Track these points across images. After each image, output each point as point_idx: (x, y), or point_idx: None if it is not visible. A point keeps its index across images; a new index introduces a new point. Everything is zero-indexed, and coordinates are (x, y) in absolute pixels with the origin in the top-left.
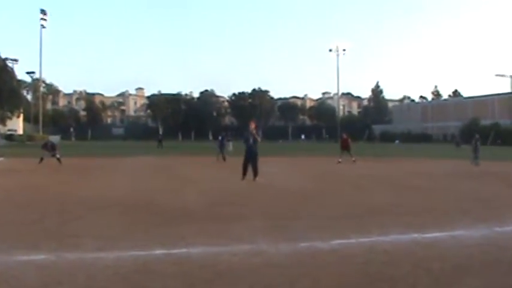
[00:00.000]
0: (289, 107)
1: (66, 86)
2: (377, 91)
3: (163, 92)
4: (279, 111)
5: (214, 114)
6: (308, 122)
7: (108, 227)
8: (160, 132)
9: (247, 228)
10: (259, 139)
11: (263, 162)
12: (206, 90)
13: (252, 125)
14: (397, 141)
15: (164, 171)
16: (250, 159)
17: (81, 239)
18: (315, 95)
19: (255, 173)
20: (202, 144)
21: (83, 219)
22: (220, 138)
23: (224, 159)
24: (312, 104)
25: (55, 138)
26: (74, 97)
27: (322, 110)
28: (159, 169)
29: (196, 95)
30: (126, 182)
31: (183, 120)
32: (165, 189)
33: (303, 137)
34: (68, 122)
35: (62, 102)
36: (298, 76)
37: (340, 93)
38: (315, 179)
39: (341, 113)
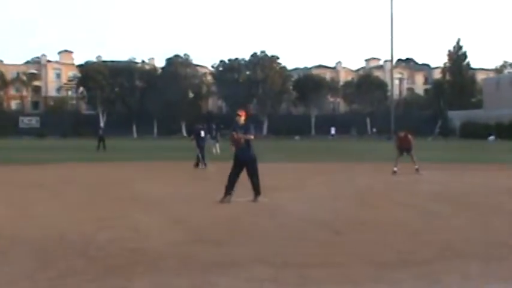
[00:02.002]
0: (311, 83)
1: None
2: (457, 55)
3: (104, 58)
4: (295, 89)
5: (191, 94)
6: (343, 106)
7: (11, 284)
8: (102, 125)
9: (242, 283)
10: (251, 136)
11: (269, 172)
12: (177, 56)
13: (241, 115)
14: (491, 137)
15: (109, 189)
16: (248, 169)
17: None
18: (354, 63)
19: (256, 190)
20: (171, 143)
21: None
22: (199, 131)
23: (201, 164)
24: (350, 77)
25: None
26: None
27: (365, 87)
28: (101, 186)
29: (160, 63)
30: (46, 207)
31: (139, 105)
32: (109, 219)
33: (333, 131)
34: None
35: None
36: (324, 34)
37: (395, 59)
38: (353, 200)
39: (397, 91)
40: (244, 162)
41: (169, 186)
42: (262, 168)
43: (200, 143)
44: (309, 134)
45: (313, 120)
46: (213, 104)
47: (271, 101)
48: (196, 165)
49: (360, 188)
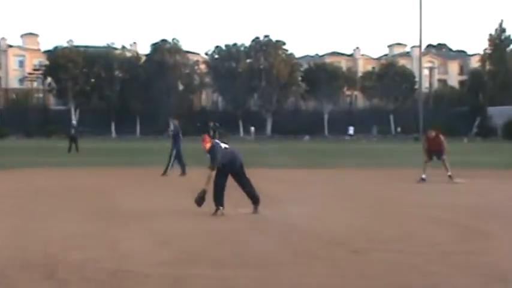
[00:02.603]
0: (324, 73)
1: None
2: (500, 40)
3: (77, 42)
4: (304, 80)
5: (180, 87)
6: (361, 101)
7: None
8: (74, 122)
9: None
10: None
11: (274, 179)
12: (164, 41)
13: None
14: None
15: (81, 200)
16: (234, 177)
17: None
18: (375, 49)
19: (254, 199)
20: (157, 145)
21: None
22: (177, 130)
23: (170, 169)
24: (370, 66)
25: None
26: None
27: (388, 78)
28: (73, 196)
29: (144, 49)
30: (4, 222)
31: (118, 99)
32: (82, 236)
33: (351, 130)
34: None
35: None
36: (340, 15)
37: (424, 45)
38: (375, 214)
39: (426, 83)
40: (232, 168)
41: (154, 197)
42: (265, 175)
43: (175, 144)
44: (321, 134)
45: (326, 117)
46: (207, 98)
47: (277, 94)
48: (177, 173)
49: (383, 199)
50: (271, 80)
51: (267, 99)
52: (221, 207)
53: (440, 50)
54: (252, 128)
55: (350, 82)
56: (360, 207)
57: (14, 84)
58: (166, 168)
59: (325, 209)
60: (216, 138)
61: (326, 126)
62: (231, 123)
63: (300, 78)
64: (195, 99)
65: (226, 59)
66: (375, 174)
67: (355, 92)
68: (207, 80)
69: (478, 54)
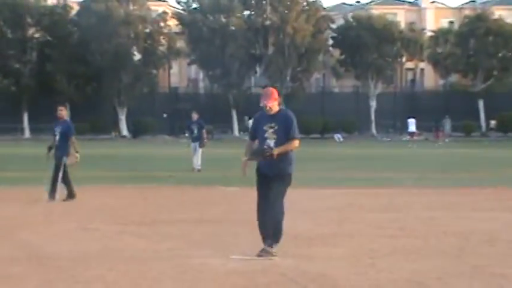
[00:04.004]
0: (369, 34)
1: None
2: None
3: None
4: (338, 45)
5: (137, 56)
6: (431, 78)
7: None
8: None
9: None
10: (295, 144)
11: (295, 205)
12: None
13: (271, 100)
14: None
15: None
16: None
17: None
18: None
19: (274, 235)
20: (100, 150)
21: None
22: (66, 126)
23: (50, 193)
24: (445, 19)
25: None
26: None
27: (478, 38)
28: None
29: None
30: None
31: (35, 76)
32: None
33: (411, 125)
34: None
35: None
36: None
37: None
38: (464, 263)
39: None
40: (269, 177)
41: (92, 234)
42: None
43: (58, 151)
44: (364, 131)
45: (373, 106)
46: (181, 74)
47: (292, 68)
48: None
49: (474, 236)
50: (283, 44)
51: (276, 76)
52: (269, 244)
53: None
54: (250, 121)
55: (412, 47)
56: (438, 251)
57: None
58: (52, 187)
59: (381, 252)
60: (205, 138)
61: (373, 119)
62: (219, 113)
63: (330, 42)
64: (160, 75)
65: (210, 11)
66: (454, 194)
67: (421, 64)
68: (180, 44)
69: None
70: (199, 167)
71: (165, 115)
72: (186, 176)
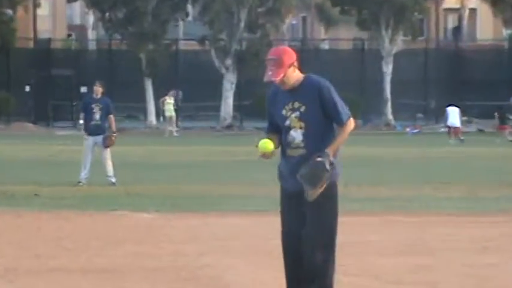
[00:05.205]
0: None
1: None
2: None
3: None
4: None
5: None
6: (485, 28)
7: None
8: None
9: None
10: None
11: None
12: None
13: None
14: None
15: None
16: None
17: None
18: None
19: None
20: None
21: None
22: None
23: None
24: None
25: None
26: None
27: None
28: None
29: None
30: None
31: None
32: None
33: (450, 117)
34: None
35: None
36: None
37: None
38: None
39: None
40: (297, 194)
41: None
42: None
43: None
44: (374, 116)
45: (387, 71)
46: (57, 16)
47: (250, 7)
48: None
49: None
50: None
51: (221, 22)
52: None
53: None
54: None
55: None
56: None
57: None
58: None
59: None
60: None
61: (389, 96)
62: (124, 86)
63: None
64: (20, 19)
65: None
66: None
67: (470, 2)
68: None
69: None
70: (113, 178)
71: (27, 88)
72: (63, 194)
